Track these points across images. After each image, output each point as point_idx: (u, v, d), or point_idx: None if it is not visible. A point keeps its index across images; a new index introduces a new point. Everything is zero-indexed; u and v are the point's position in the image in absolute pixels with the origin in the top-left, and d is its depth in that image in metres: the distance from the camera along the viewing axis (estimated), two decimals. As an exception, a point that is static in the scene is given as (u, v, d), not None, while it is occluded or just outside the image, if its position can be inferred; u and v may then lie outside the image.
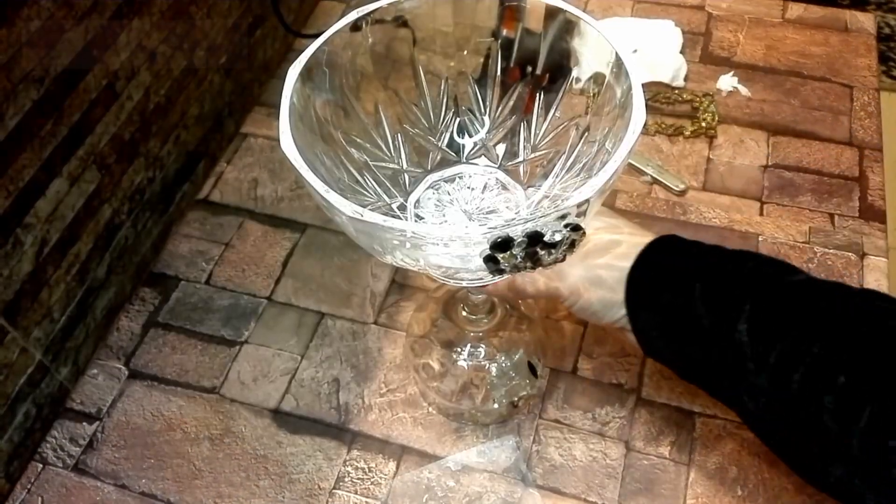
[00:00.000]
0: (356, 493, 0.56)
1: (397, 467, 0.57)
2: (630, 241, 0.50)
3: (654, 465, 0.57)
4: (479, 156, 0.52)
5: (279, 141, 0.39)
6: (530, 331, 0.62)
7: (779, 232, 0.69)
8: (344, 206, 0.36)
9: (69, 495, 0.57)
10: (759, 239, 0.69)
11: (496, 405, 0.59)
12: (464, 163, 0.52)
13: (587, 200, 0.36)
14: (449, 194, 0.51)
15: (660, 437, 0.58)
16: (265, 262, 0.69)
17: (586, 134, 0.46)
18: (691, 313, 0.46)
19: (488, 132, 0.51)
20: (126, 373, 0.63)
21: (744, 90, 0.80)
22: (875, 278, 0.66)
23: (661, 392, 0.60)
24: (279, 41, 0.84)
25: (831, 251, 0.67)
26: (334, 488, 0.56)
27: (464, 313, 0.59)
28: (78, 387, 0.62)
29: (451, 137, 0.51)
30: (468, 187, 0.51)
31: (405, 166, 0.50)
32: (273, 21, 0.81)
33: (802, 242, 0.68)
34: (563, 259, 0.42)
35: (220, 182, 0.75)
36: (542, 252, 0.39)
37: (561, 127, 0.49)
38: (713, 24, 0.87)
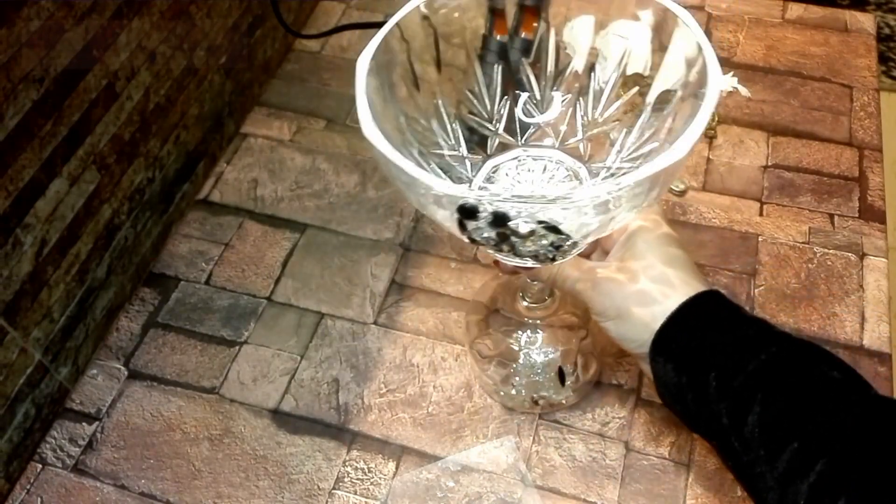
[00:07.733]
0: (356, 493, 0.56)
1: (397, 467, 0.57)
2: (677, 291, 0.47)
3: (653, 466, 0.57)
4: (541, 137, 0.51)
5: (362, 130, 0.38)
6: (581, 337, 0.61)
7: (778, 232, 0.69)
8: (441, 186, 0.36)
9: (68, 495, 0.57)
10: (759, 239, 0.69)
11: (514, 392, 0.59)
12: (522, 146, 0.51)
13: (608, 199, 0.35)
14: (507, 175, 0.50)
15: (659, 438, 0.58)
16: (265, 263, 0.69)
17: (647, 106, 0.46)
18: (706, 399, 0.45)
19: (543, 113, 0.51)
20: (126, 373, 0.63)
21: (743, 90, 0.80)
22: (875, 278, 0.66)
23: (661, 392, 0.60)
24: (279, 41, 0.84)
25: (831, 251, 0.67)
26: (334, 488, 0.56)
27: (523, 302, 0.59)
28: (77, 387, 0.62)
29: (509, 121, 0.51)
30: (528, 169, 0.50)
31: (464, 153, 0.49)
32: (273, 21, 0.81)
33: (802, 243, 0.68)
34: (552, 259, 0.41)
35: (219, 182, 0.75)
36: (515, 239, 0.37)
37: (619, 103, 0.48)
38: (713, 24, 0.87)
